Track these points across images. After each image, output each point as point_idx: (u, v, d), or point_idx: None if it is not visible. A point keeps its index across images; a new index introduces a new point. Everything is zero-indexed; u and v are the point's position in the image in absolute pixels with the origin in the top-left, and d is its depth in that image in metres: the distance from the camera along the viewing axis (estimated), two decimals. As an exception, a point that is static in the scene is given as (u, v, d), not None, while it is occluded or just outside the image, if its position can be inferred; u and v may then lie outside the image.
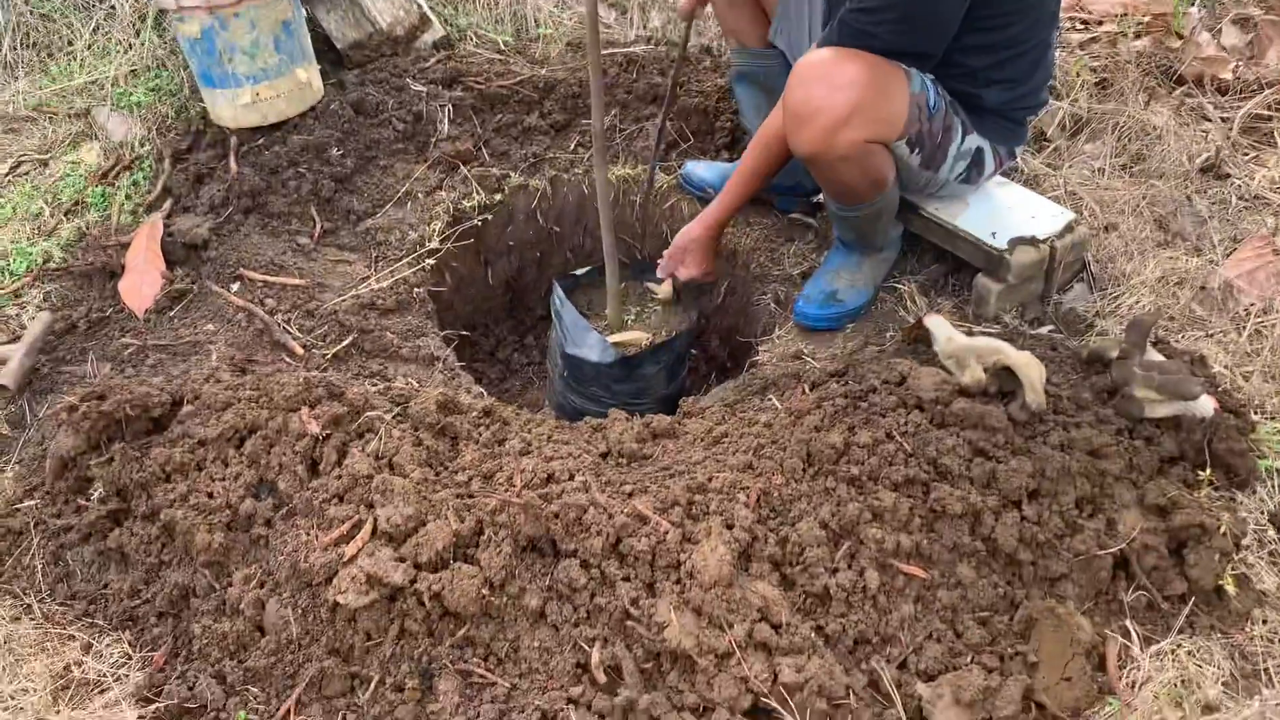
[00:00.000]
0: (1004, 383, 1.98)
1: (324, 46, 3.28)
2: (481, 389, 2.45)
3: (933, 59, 2.18)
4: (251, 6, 2.78)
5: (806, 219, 2.90)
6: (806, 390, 2.17)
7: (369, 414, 2.05)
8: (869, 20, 2.07)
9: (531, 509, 1.75)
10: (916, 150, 2.26)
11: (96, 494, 2.05)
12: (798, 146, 2.17)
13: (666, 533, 1.74)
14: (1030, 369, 1.91)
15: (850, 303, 2.53)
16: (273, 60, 2.88)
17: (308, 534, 1.82)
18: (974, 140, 2.36)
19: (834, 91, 2.07)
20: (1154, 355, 2.06)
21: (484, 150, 3.10)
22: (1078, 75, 3.19)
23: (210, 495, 1.93)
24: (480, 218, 2.90)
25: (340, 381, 2.20)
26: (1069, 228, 2.46)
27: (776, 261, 2.80)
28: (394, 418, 2.08)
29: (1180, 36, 3.47)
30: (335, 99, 3.11)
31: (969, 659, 1.69)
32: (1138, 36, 3.52)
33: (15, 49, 3.17)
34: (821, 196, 2.75)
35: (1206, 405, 1.99)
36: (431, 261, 2.74)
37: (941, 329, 2.11)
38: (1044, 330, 2.42)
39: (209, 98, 2.98)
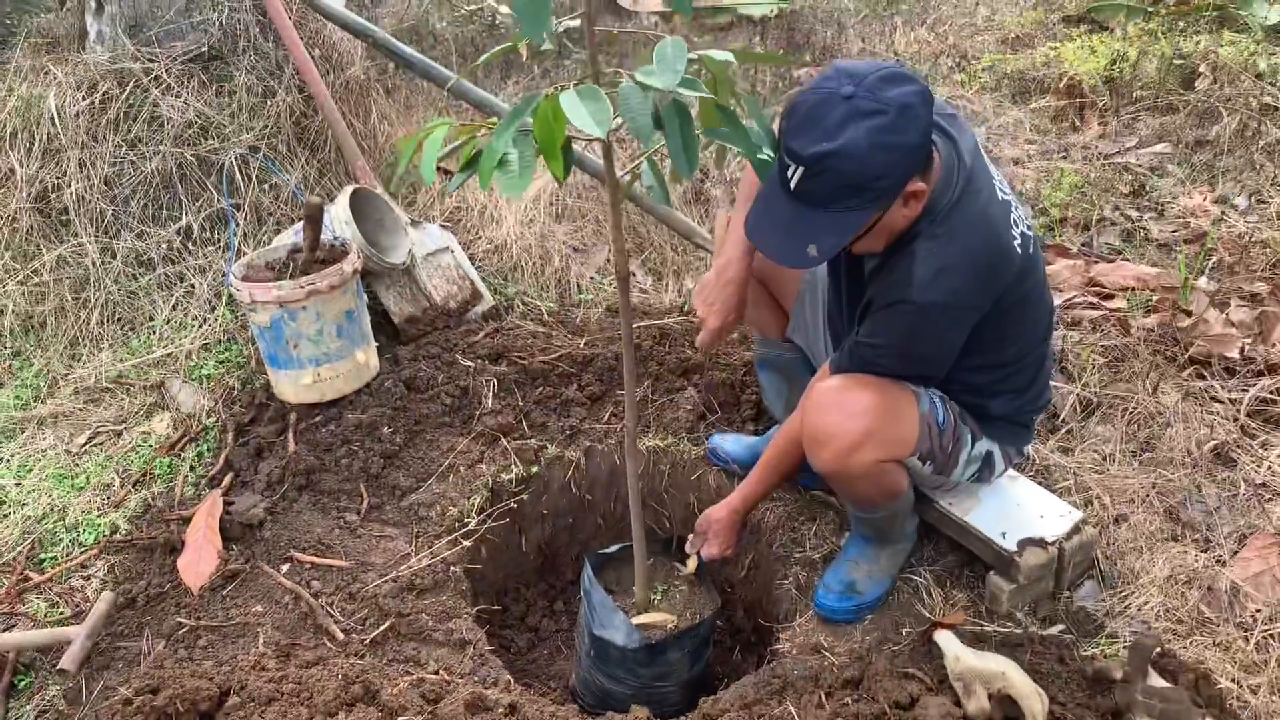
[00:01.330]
0: (1008, 709, 2.06)
1: (382, 319, 3.54)
2: (509, 676, 2.55)
3: (937, 379, 2.37)
4: (318, 300, 3.05)
5: (828, 497, 3.03)
6: (823, 699, 2.26)
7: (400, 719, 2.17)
8: (873, 353, 2.26)
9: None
10: (929, 462, 2.41)
11: (142, 791, 2.16)
12: (815, 465, 2.34)
13: None
14: (1032, 701, 1.99)
15: (868, 594, 2.63)
16: (334, 345, 3.14)
17: None
18: (984, 445, 2.51)
19: (847, 419, 2.25)
20: (1156, 680, 2.12)
21: (524, 422, 3.29)
22: (1089, 359, 3.35)
23: (248, 801, 2.03)
24: (516, 499, 3.07)
25: (376, 676, 2.32)
26: (1076, 529, 2.56)
27: (798, 542, 2.92)
28: (425, 720, 2.19)
29: (1188, 313, 3.63)
30: (389, 375, 3.34)
31: None
32: (1146, 313, 3.70)
33: (103, 324, 3.49)
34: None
35: (1211, 733, 2.04)
36: (469, 543, 2.89)
37: (950, 647, 2.21)
38: (1055, 630, 2.49)
39: (273, 376, 3.23)
